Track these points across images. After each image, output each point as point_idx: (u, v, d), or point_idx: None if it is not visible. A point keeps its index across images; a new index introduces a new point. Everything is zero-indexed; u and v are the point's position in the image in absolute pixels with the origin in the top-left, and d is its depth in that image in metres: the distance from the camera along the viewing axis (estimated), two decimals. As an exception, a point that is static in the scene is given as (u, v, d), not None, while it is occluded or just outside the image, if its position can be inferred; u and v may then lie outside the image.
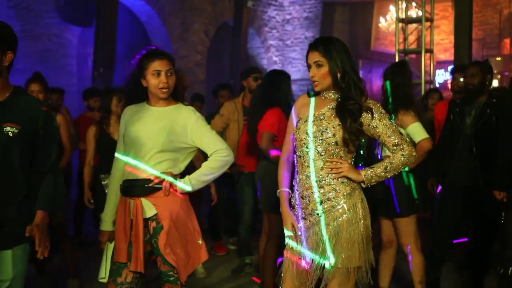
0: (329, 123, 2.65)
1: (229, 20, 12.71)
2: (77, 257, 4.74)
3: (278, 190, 2.84)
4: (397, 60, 10.63)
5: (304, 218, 2.71)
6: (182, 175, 2.92)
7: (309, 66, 2.73)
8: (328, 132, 2.64)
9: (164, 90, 2.85)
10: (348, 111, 2.64)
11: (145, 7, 11.14)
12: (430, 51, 10.82)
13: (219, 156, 2.91)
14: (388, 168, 2.68)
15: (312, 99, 2.79)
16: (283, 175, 2.85)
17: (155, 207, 2.83)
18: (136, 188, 2.83)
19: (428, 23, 10.86)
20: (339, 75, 2.66)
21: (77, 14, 9.24)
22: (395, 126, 2.72)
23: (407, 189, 3.86)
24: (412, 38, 11.69)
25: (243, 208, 5.16)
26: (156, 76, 2.83)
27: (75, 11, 9.21)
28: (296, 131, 2.74)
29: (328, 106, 2.70)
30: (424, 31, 10.62)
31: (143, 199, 2.83)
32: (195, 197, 4.73)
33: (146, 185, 2.82)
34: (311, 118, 2.70)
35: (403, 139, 2.71)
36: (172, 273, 2.86)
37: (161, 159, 2.84)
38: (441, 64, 15.48)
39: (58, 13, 9.22)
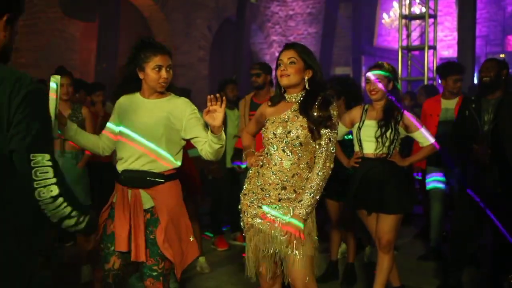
0: (293, 124, 2.81)
1: (232, 16, 12.71)
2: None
3: (245, 152, 3.05)
4: (399, 56, 10.62)
5: (259, 207, 2.87)
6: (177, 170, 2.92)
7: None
8: (292, 133, 2.79)
9: (163, 84, 2.87)
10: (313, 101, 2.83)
11: (148, 2, 11.15)
12: (433, 47, 10.80)
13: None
14: (312, 194, 2.78)
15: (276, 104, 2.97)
16: (248, 142, 3.13)
17: (153, 200, 2.83)
18: (137, 180, 2.84)
19: (432, 20, 10.84)
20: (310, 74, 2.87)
21: (80, 9, 9.27)
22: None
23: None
24: (415, 34, 11.68)
25: None
26: (157, 71, 2.84)
27: (78, 6, 9.24)
28: (264, 130, 2.91)
29: (291, 109, 2.86)
30: (428, 28, 10.59)
31: (141, 191, 2.84)
32: (198, 193, 4.77)
33: (148, 178, 2.83)
34: (277, 120, 2.86)
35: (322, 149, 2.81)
36: (156, 267, 2.82)
37: (157, 155, 2.83)
38: (444, 61, 15.41)
39: (61, 8, 9.25)
